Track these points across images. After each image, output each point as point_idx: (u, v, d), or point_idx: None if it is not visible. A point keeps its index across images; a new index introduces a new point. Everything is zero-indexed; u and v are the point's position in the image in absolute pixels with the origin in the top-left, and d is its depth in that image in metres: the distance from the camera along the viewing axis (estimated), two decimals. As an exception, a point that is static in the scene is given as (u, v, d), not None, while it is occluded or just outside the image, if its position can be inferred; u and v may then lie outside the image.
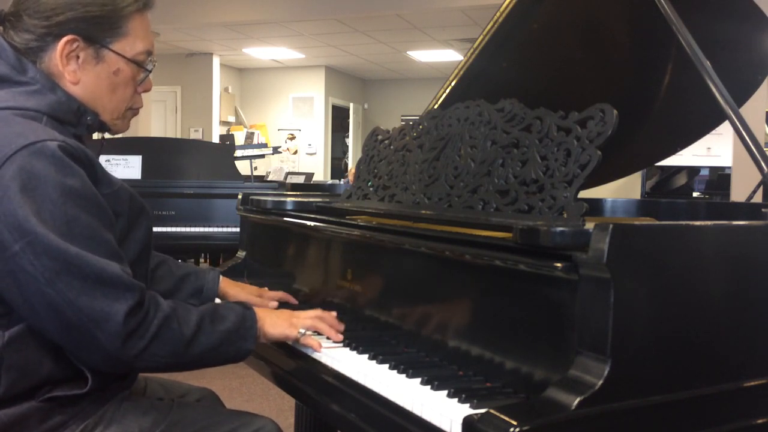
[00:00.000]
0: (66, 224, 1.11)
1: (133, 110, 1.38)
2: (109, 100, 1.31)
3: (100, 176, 1.22)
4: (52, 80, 1.25)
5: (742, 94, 1.94)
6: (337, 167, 12.55)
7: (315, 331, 1.42)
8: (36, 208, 1.10)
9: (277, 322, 1.38)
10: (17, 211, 1.09)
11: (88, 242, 1.13)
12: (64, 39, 1.24)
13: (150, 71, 1.36)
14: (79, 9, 1.24)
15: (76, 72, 1.27)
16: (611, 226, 0.98)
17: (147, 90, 1.38)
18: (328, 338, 1.42)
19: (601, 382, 0.96)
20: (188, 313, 1.23)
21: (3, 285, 1.13)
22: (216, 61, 10.49)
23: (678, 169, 7.69)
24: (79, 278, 1.10)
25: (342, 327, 1.44)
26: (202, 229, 4.44)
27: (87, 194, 1.16)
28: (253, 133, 11.00)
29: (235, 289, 1.69)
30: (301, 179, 8.29)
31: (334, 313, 1.47)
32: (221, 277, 1.69)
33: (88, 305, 1.11)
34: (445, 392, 1.10)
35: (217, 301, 1.65)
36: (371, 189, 1.71)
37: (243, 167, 5.43)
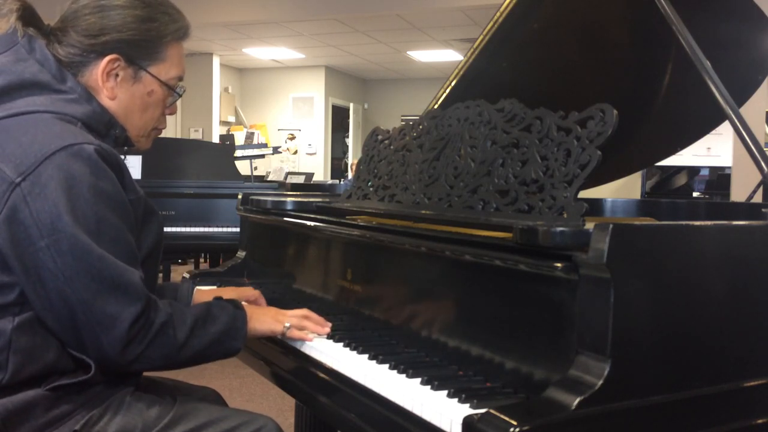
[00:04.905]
0: (96, 223, 1.18)
1: (157, 130, 1.47)
2: (139, 117, 1.40)
3: (127, 182, 1.28)
4: (89, 92, 1.33)
5: (742, 94, 1.94)
6: (337, 167, 12.54)
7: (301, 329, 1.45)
8: (71, 206, 1.16)
9: (263, 318, 1.43)
10: (52, 208, 1.15)
11: (113, 244, 1.19)
12: (108, 57, 1.32)
13: (180, 95, 1.45)
14: (125, 32, 1.33)
15: (114, 89, 1.35)
16: (611, 226, 0.98)
17: (172, 113, 1.48)
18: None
19: (601, 382, 0.96)
20: (183, 316, 1.28)
21: (23, 278, 1.17)
22: (216, 61, 10.49)
23: (678, 169, 7.69)
24: (97, 281, 1.16)
25: (329, 327, 1.46)
26: (202, 229, 4.44)
27: (117, 197, 1.23)
28: (253, 133, 11.00)
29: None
30: (301, 179, 8.30)
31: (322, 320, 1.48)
32: (196, 288, 1.66)
33: (99, 308, 1.16)
34: (445, 392, 1.10)
35: None
36: (371, 189, 1.71)
37: (243, 167, 5.43)
